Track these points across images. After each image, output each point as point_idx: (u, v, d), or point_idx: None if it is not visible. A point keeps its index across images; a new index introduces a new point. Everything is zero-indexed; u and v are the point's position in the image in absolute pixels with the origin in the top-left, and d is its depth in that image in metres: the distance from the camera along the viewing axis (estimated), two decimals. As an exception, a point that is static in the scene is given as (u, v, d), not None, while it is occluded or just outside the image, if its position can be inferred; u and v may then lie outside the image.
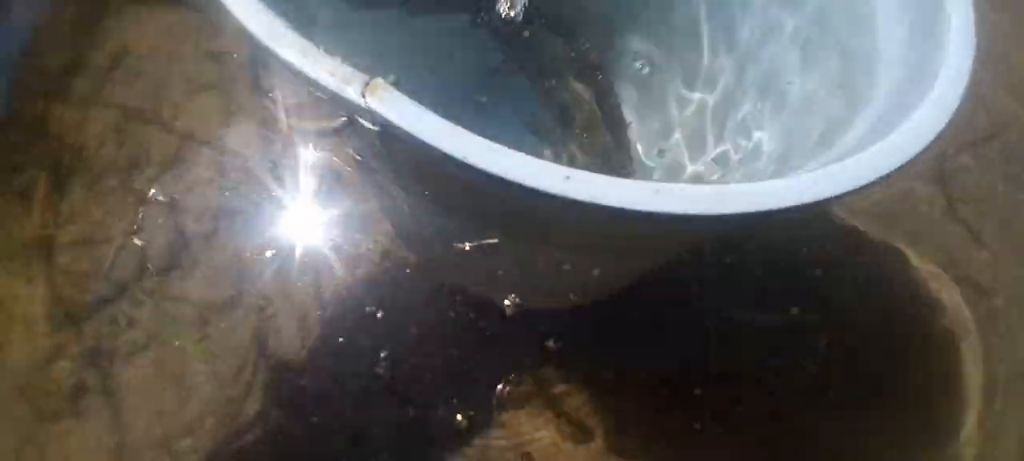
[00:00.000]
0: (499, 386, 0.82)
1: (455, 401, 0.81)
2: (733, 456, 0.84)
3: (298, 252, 0.88)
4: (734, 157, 0.74)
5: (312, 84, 0.43)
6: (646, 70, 0.84)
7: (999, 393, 0.90)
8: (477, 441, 0.80)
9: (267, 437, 0.78)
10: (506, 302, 0.73)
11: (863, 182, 0.42)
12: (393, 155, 0.52)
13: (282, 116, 0.97)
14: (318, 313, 0.85)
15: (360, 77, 0.42)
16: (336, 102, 0.44)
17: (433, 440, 0.80)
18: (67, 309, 0.82)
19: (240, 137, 0.96)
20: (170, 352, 0.81)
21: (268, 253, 0.88)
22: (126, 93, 0.97)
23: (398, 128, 0.41)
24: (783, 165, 0.64)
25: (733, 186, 0.41)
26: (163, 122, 0.96)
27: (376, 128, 0.44)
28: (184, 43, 1.03)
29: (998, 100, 1.07)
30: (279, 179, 0.93)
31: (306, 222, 0.90)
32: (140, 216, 0.89)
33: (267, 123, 0.98)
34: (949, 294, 0.96)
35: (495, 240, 0.61)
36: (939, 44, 0.50)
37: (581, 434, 0.82)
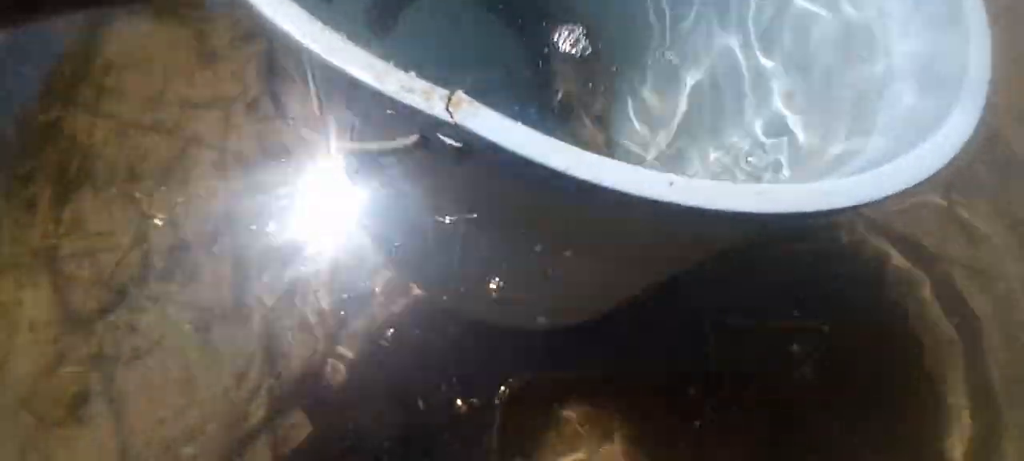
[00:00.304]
0: (500, 387, 0.83)
1: (458, 402, 0.82)
2: (732, 457, 0.84)
3: (300, 258, 0.89)
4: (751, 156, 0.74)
5: (385, 101, 0.39)
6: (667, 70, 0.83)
7: (995, 395, 0.90)
8: (479, 442, 0.80)
9: (270, 441, 0.79)
10: (492, 285, 0.72)
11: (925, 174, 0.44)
12: (443, 172, 0.48)
13: (288, 125, 0.99)
14: (320, 318, 0.86)
15: (440, 91, 0.39)
16: (411, 119, 0.40)
17: (435, 442, 0.80)
18: (71, 316, 0.83)
19: (241, 144, 0.97)
20: (173, 358, 0.82)
21: (270, 259, 0.88)
22: (127, 103, 0.98)
23: (490, 143, 0.38)
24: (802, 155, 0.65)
25: (829, 182, 0.42)
26: (164, 130, 0.97)
27: (458, 145, 0.40)
28: (185, 54, 1.04)
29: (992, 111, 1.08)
30: (280, 186, 0.94)
31: (308, 228, 0.91)
32: (142, 223, 0.89)
33: (268, 131, 0.99)
34: (946, 297, 0.97)
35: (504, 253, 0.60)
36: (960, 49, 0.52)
37: (579, 434, 0.82)
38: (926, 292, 0.97)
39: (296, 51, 0.42)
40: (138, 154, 0.94)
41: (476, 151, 0.40)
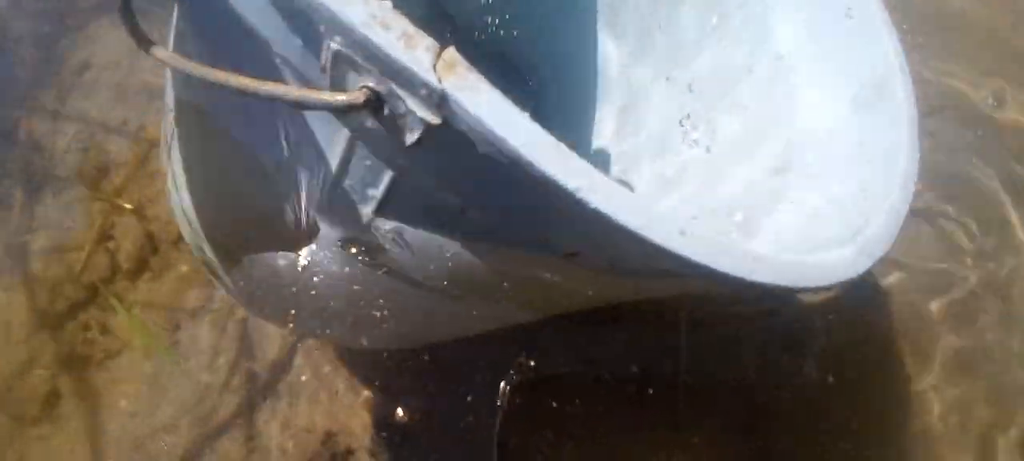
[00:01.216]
0: (475, 382, 0.83)
1: (434, 399, 0.82)
2: (707, 446, 0.85)
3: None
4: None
5: (336, 31, 0.27)
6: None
7: (971, 394, 0.90)
8: (453, 436, 0.81)
9: (243, 436, 0.80)
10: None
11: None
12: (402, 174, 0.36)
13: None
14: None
15: (427, 40, 0.26)
16: (383, 73, 0.27)
17: (408, 436, 0.81)
18: (42, 316, 0.83)
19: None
20: (143, 355, 0.82)
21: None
22: (93, 104, 0.98)
23: (488, 133, 0.26)
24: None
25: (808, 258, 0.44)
26: (129, 130, 0.96)
27: (435, 121, 0.27)
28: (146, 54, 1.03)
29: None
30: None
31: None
32: (110, 222, 0.89)
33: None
34: (923, 298, 0.96)
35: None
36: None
37: (556, 433, 0.83)
38: (898, 277, 0.97)
39: None
40: (104, 154, 0.94)
41: (450, 137, 0.28)
